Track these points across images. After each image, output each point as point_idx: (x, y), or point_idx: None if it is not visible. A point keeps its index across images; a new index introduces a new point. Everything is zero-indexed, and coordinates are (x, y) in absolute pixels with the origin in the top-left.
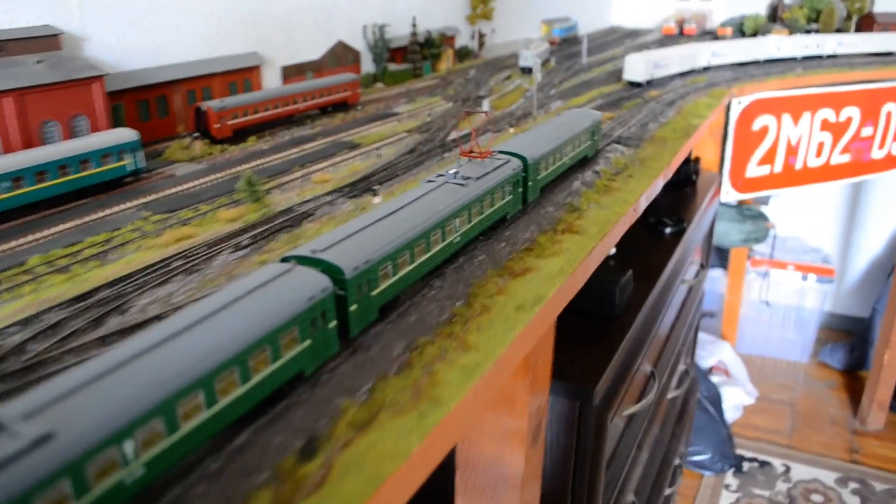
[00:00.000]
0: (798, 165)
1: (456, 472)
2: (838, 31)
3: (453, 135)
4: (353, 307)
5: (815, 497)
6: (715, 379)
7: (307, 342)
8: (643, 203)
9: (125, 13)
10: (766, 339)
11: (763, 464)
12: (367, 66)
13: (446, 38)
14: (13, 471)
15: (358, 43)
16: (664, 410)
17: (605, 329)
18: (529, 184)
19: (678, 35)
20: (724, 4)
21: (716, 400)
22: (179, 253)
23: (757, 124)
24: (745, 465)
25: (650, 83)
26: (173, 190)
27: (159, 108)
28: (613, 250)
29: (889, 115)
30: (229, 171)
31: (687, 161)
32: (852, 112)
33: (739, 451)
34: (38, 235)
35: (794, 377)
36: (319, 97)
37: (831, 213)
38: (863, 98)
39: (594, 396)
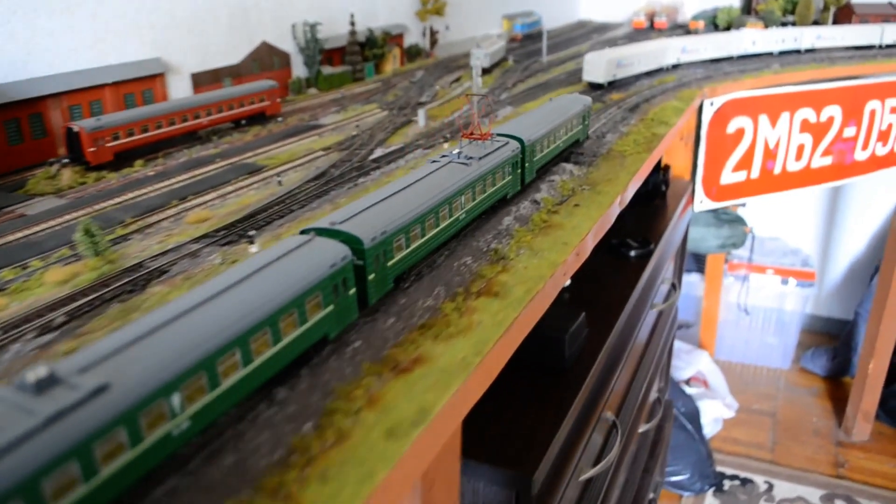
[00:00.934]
0: (777, 170)
1: None
2: (815, 23)
3: (378, 152)
4: (371, 276)
5: None
6: (693, 391)
7: (330, 307)
8: (590, 243)
9: None
10: (746, 344)
11: (745, 481)
12: (299, 69)
13: (392, 37)
14: (74, 419)
15: (287, 44)
16: (634, 447)
17: (553, 387)
18: (526, 165)
19: (648, 29)
20: None
21: (694, 416)
22: None
23: (732, 127)
24: (726, 484)
25: (613, 84)
26: (12, 237)
27: (34, 127)
28: (568, 282)
29: (873, 113)
30: (93, 209)
31: (657, 169)
32: (834, 111)
33: (720, 469)
34: None
35: (775, 385)
36: (228, 109)
37: (811, 213)
38: (845, 96)
39: (533, 485)
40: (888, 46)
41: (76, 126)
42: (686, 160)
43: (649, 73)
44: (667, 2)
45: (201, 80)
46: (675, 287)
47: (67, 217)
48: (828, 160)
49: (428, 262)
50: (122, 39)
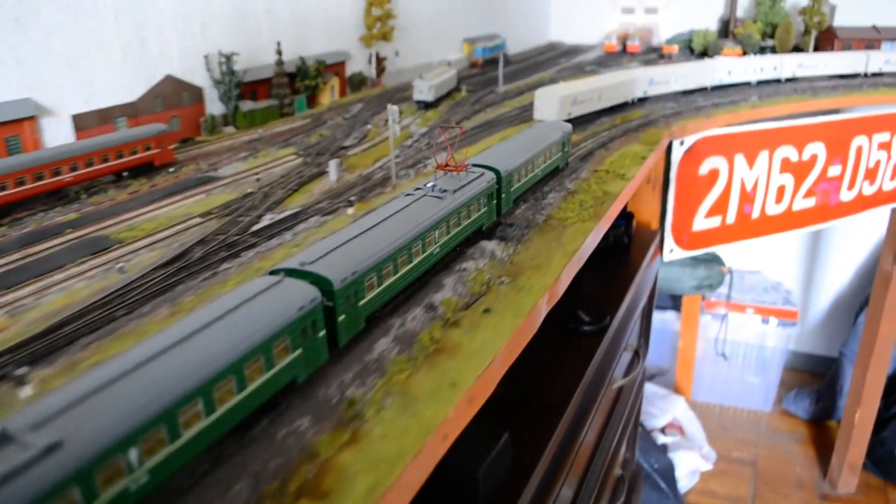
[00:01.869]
0: (755, 214)
1: None
2: (796, 48)
3: (265, 220)
4: (341, 317)
5: None
6: (668, 439)
7: (298, 351)
8: (495, 375)
9: None
10: (725, 384)
11: None
12: (215, 105)
13: (329, 66)
14: (25, 479)
15: (200, 77)
16: None
17: None
18: (503, 195)
19: (621, 53)
20: (671, 18)
21: (668, 472)
22: None
23: (704, 167)
24: None
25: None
26: None
27: None
28: None
29: (859, 150)
30: None
31: (621, 216)
32: (817, 149)
33: None
34: None
35: (755, 430)
36: (102, 161)
37: (792, 246)
38: (829, 132)
39: None
40: (874, 75)
41: None
42: (653, 205)
43: (612, 109)
44: (641, 23)
45: (85, 123)
46: (638, 356)
47: None
48: (811, 202)
49: (238, 433)
50: None
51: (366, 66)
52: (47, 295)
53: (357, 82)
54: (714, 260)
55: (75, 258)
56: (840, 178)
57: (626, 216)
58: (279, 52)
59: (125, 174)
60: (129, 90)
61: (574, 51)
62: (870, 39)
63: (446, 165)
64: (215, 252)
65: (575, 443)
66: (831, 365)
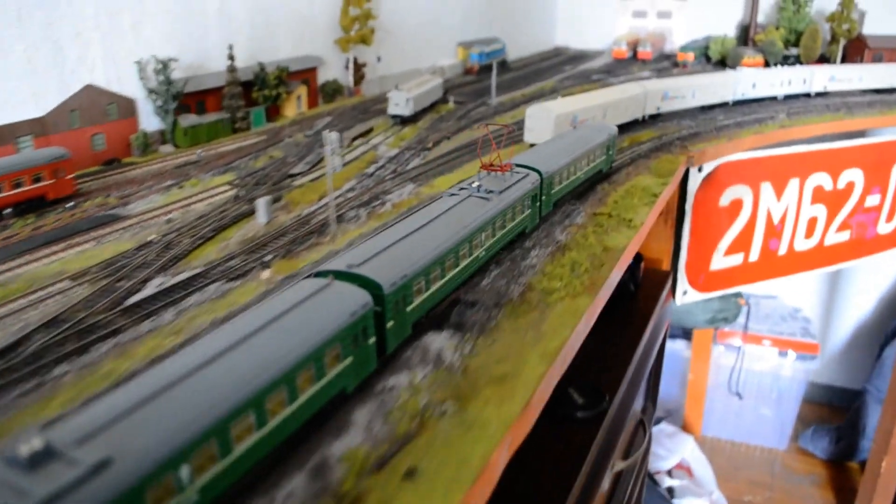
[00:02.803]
0: (782, 250)
1: None
2: (822, 57)
3: (151, 286)
4: (390, 323)
5: None
6: (676, 482)
7: (349, 359)
8: None
9: None
10: (737, 417)
11: None
12: (151, 120)
13: (295, 73)
14: (74, 500)
15: (132, 87)
16: None
17: None
18: (543, 198)
19: (631, 59)
20: (685, 23)
21: None
22: None
23: (726, 198)
24: None
25: None
26: None
27: None
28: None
29: None
30: None
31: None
32: (854, 176)
33: None
34: None
35: (770, 469)
36: None
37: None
38: (867, 156)
39: None
40: None
41: None
42: (665, 241)
43: (619, 127)
44: (653, 28)
45: None
46: (643, 427)
47: None
48: (845, 235)
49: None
50: None
51: (342, 72)
52: None
53: (331, 91)
54: (730, 293)
55: None
56: (879, 208)
57: (633, 257)
58: (231, 58)
59: (6, 211)
60: (36, 103)
61: (580, 57)
62: None
63: (490, 165)
64: (59, 343)
65: None
66: (853, 398)
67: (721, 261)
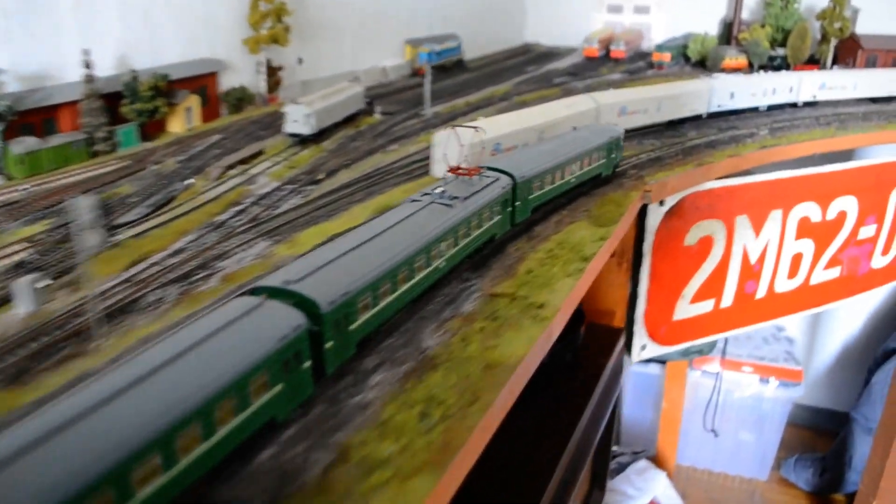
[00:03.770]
0: (760, 293)
1: None
2: (812, 58)
3: None
4: (328, 344)
5: None
6: None
7: (279, 386)
8: None
9: None
10: (715, 443)
11: None
12: None
13: (186, 81)
14: None
15: None
16: None
17: None
18: (517, 203)
19: (603, 58)
20: (664, 20)
21: None
22: None
23: (693, 236)
24: None
25: None
26: None
27: None
28: None
29: None
30: None
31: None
32: (847, 204)
33: None
34: None
35: (749, 502)
36: None
37: None
38: (862, 181)
39: None
40: None
41: None
42: (619, 289)
43: None
44: (629, 24)
45: None
46: (598, 488)
47: None
48: (834, 272)
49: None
50: None
51: (255, 77)
52: None
53: (237, 100)
54: None
55: None
56: (874, 239)
57: (573, 314)
58: (87, 65)
59: None
60: None
61: (549, 55)
62: None
63: (458, 168)
64: None
65: None
66: (839, 421)
67: (687, 309)
